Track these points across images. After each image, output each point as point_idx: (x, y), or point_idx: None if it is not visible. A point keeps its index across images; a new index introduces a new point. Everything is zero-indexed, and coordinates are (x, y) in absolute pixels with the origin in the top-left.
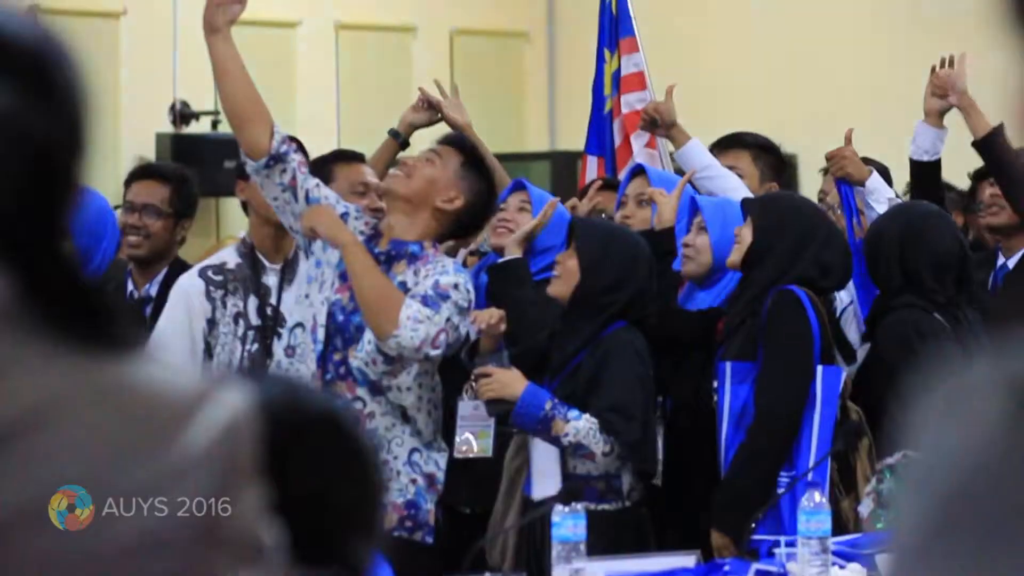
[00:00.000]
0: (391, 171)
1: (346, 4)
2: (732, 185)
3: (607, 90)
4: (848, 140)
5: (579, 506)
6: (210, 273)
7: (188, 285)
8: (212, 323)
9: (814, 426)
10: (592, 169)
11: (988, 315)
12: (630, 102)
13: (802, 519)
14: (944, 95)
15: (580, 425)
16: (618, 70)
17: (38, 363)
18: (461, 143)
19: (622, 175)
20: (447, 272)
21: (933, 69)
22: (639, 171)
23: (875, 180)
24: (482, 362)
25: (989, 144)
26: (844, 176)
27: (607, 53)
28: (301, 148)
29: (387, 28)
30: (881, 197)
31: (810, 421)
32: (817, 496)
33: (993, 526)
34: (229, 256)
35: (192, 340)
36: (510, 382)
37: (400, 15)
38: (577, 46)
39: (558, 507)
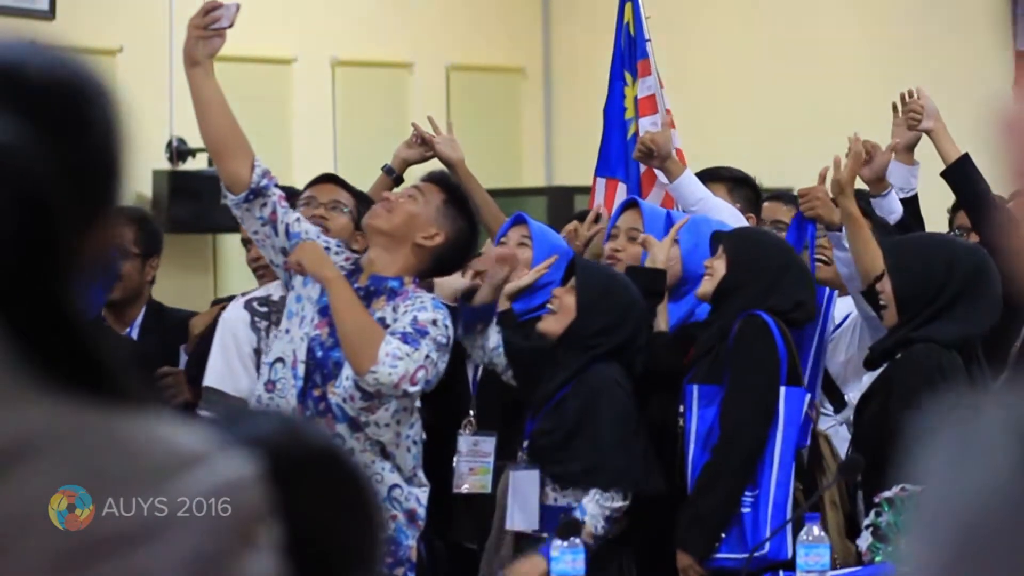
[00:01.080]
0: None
1: (342, 41)
2: (726, 217)
3: (629, 113)
4: (822, 179)
5: (577, 540)
6: (255, 304)
7: (233, 316)
8: (258, 353)
9: (776, 446)
10: (601, 191)
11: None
12: (644, 125)
13: (801, 553)
14: (918, 121)
15: (591, 509)
16: (636, 94)
17: (23, 401)
18: (444, 181)
19: (614, 208)
20: (425, 308)
21: (894, 107)
22: (631, 204)
23: None
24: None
25: (958, 172)
26: (814, 216)
27: (628, 76)
28: (345, 186)
29: (383, 64)
30: None
31: (773, 441)
32: (816, 530)
33: (1005, 569)
34: (275, 288)
35: (246, 369)
36: (534, 566)
37: (396, 51)
38: (574, 82)
39: (556, 542)
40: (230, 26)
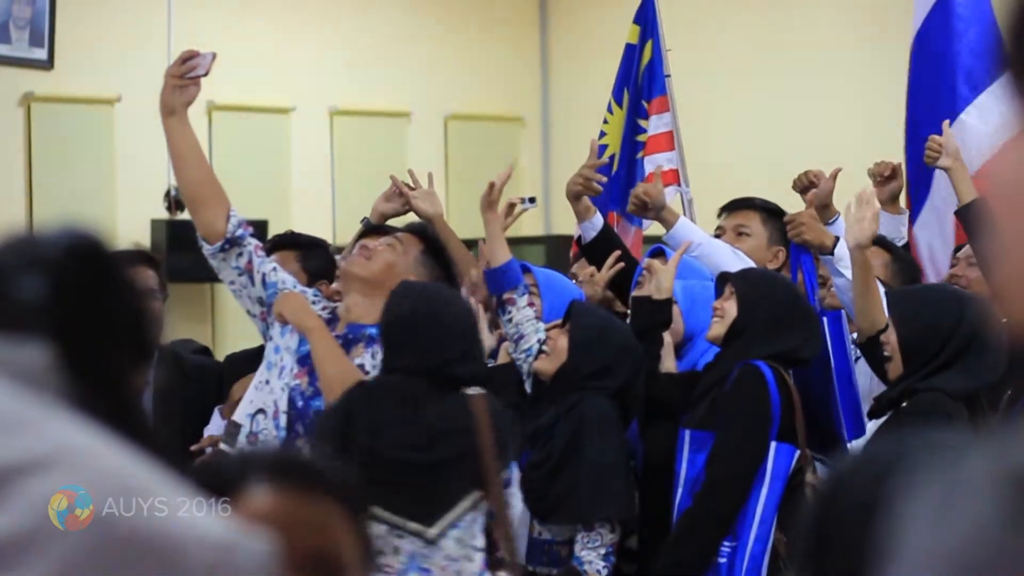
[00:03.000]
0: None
1: (341, 90)
2: (725, 260)
3: (640, 153)
4: (810, 204)
5: None
6: None
7: None
8: None
9: (760, 500)
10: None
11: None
12: (657, 162)
13: None
14: (935, 159)
15: (585, 555)
16: (643, 129)
17: (49, 423)
18: (423, 232)
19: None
20: None
21: (870, 173)
22: (659, 253)
23: (842, 248)
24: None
25: (971, 214)
26: (802, 242)
27: (647, 106)
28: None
29: (382, 113)
30: (848, 263)
31: (757, 495)
32: None
33: None
34: None
35: None
36: None
37: (395, 101)
38: (572, 131)
39: None
40: (206, 74)
